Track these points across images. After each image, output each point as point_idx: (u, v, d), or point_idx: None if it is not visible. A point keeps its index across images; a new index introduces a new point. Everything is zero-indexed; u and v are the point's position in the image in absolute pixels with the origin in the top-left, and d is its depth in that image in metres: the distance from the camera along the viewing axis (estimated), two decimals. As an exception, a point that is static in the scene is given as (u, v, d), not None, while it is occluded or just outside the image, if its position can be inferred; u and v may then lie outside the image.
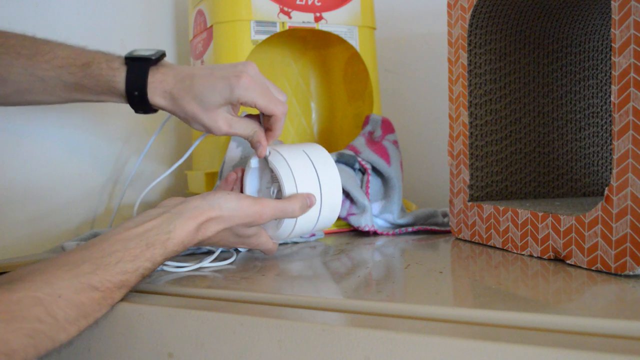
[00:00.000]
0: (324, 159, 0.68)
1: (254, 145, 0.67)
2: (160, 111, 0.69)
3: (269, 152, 0.67)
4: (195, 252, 0.71)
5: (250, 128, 0.66)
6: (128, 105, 0.67)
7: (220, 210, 0.59)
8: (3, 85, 0.66)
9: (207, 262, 0.65)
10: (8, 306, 0.44)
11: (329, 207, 0.67)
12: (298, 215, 0.63)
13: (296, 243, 0.78)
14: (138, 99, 0.66)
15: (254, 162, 0.69)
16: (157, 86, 0.65)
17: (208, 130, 0.66)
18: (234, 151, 0.82)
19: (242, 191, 0.70)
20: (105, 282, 0.50)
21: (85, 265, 0.50)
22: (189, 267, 0.64)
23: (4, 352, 0.42)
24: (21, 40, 0.66)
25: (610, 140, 0.74)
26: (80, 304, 0.48)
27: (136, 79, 0.65)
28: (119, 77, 0.65)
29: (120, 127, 0.97)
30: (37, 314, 0.45)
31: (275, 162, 0.65)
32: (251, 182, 0.70)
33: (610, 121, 0.74)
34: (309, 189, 0.65)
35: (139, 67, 0.65)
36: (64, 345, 0.48)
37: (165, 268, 0.63)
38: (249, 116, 0.69)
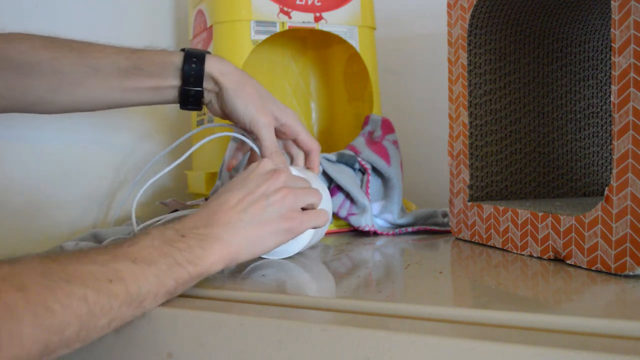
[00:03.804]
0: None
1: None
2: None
3: None
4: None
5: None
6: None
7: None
8: (54, 77, 0.64)
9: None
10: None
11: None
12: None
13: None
14: (194, 75, 0.66)
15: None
16: (215, 60, 0.68)
17: (250, 119, 0.67)
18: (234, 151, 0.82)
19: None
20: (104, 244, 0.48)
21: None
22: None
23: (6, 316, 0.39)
24: (70, 40, 0.66)
25: (610, 140, 0.74)
26: (79, 257, 0.45)
27: (194, 52, 0.67)
28: (177, 54, 0.67)
29: (129, 132, 0.97)
30: (39, 269, 0.42)
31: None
32: None
33: (610, 121, 0.74)
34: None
35: (196, 50, 0.68)
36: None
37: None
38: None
